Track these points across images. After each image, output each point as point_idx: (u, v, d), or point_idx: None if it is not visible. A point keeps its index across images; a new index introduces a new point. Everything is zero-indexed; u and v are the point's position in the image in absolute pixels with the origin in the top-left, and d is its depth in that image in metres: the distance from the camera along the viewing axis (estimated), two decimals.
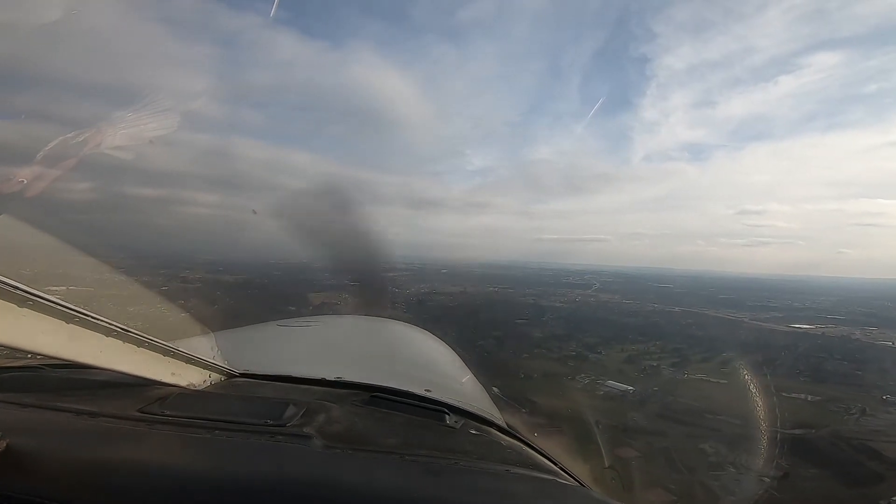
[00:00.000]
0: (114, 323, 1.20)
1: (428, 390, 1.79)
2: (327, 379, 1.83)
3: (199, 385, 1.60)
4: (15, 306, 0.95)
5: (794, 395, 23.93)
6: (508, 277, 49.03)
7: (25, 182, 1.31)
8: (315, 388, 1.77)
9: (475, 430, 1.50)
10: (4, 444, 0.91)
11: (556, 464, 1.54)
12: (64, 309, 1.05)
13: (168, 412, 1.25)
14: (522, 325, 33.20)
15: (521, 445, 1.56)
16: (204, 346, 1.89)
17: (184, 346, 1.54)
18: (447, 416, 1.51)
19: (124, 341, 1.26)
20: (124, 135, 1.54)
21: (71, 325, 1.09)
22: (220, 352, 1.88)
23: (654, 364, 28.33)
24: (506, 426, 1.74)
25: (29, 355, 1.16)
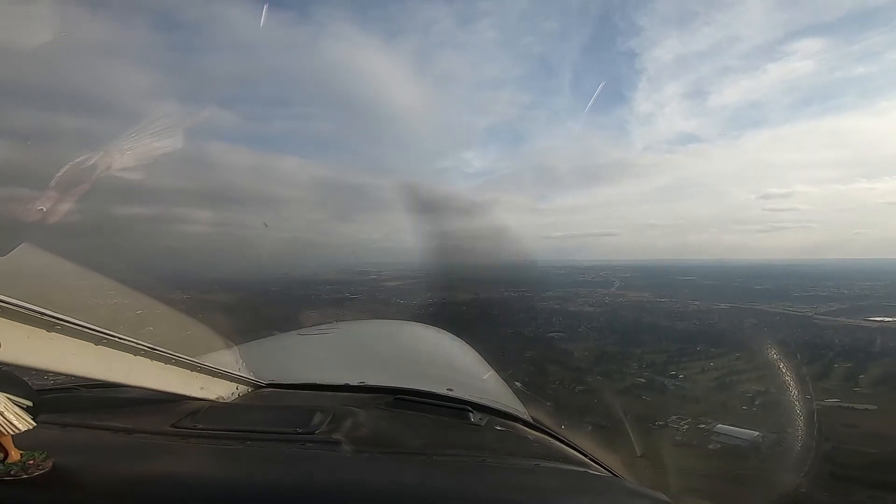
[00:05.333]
0: (141, 342, 1.23)
1: (450, 389, 1.79)
2: (351, 384, 1.84)
3: (227, 398, 1.63)
4: (44, 331, 0.99)
5: None
6: (521, 278, 40.97)
7: (44, 209, 1.29)
8: (340, 393, 1.79)
9: (501, 427, 1.50)
10: (51, 464, 0.94)
11: (586, 455, 1.53)
12: (91, 331, 1.08)
13: (200, 426, 1.27)
14: (559, 341, 24.77)
15: (549, 439, 1.55)
16: (228, 359, 1.90)
17: (209, 360, 1.56)
18: (471, 414, 1.51)
19: (152, 359, 1.29)
20: (122, 158, 1.51)
21: (100, 346, 1.13)
22: (244, 364, 1.89)
23: (760, 388, 20.33)
24: (531, 420, 1.72)
25: (62, 377, 1.22)
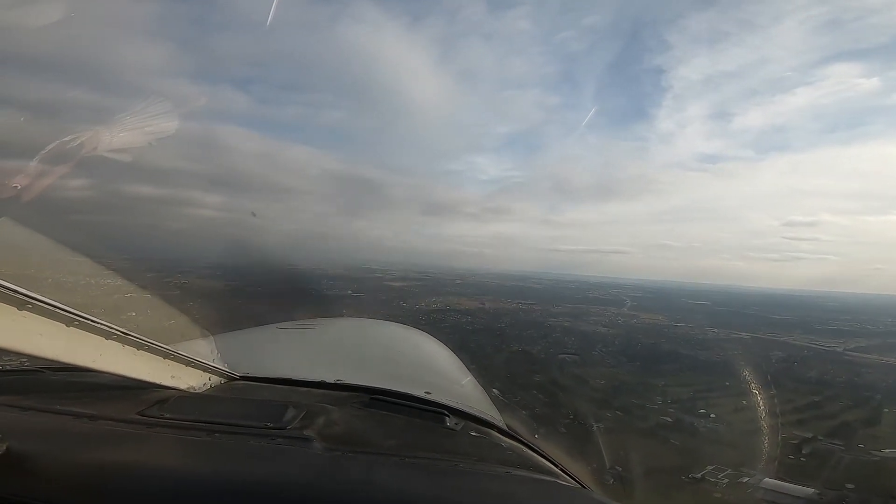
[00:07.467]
0: (113, 326, 1.16)
1: (428, 392, 1.76)
2: (327, 381, 1.80)
3: (198, 388, 1.56)
4: (14, 309, 0.94)
5: None
6: (528, 290, 38.76)
7: (23, 184, 1.25)
8: (315, 390, 1.75)
9: (475, 432, 1.49)
10: (4, 447, 0.91)
11: (556, 465, 1.51)
12: (63, 312, 1.03)
13: (168, 415, 1.24)
14: (572, 365, 22.31)
15: (522, 447, 1.54)
16: (203, 348, 1.86)
17: (183, 348, 1.50)
18: (447, 418, 1.49)
19: (124, 344, 1.22)
20: (122, 136, 1.48)
21: (71, 328, 1.06)
22: (219, 355, 1.85)
23: (806, 434, 17.84)
24: (506, 428, 1.70)
25: (28, 358, 1.17)
